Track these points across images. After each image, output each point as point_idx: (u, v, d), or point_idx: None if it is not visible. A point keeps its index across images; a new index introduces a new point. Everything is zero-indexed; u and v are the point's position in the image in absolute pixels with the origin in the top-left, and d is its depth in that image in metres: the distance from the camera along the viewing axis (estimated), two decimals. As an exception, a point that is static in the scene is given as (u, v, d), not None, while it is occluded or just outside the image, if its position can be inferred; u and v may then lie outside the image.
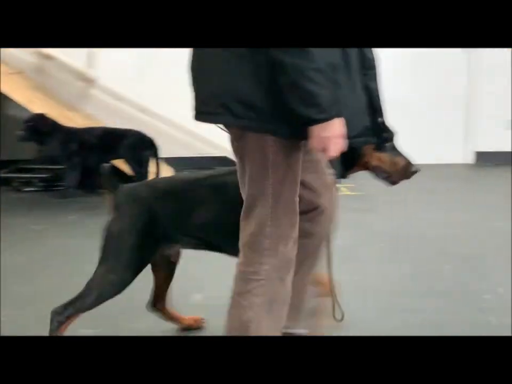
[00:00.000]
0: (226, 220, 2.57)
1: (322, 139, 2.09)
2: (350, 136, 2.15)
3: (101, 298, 2.69)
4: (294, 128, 2.11)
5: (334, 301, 2.66)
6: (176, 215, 2.68)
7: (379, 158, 2.53)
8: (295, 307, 2.54)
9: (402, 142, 2.58)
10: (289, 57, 2.01)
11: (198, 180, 2.75)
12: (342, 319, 2.66)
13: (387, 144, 2.52)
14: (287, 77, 2.02)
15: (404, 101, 7.40)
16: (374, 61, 2.28)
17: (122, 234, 2.66)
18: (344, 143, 2.13)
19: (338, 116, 2.07)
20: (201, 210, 2.67)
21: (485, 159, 7.50)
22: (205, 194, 2.68)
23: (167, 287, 3.05)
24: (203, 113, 2.22)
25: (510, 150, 7.19)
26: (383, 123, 2.39)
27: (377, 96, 2.29)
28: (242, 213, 2.29)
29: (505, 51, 7.34)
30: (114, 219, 2.70)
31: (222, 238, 2.68)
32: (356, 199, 5.99)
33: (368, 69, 2.25)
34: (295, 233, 2.28)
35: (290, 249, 2.27)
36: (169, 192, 2.73)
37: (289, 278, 2.29)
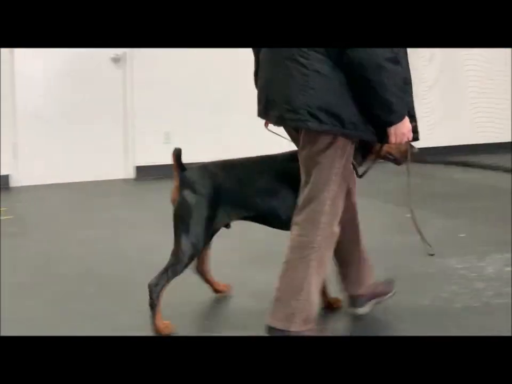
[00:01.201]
0: (275, 197, 3.26)
1: (400, 134, 2.87)
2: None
3: (188, 263, 3.26)
4: (375, 133, 2.88)
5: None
6: (234, 190, 3.25)
7: (388, 146, 3.15)
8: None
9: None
10: (375, 76, 2.74)
11: (252, 161, 3.37)
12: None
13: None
14: (374, 91, 2.76)
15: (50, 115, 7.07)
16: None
17: (198, 206, 3.20)
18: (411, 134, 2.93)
19: (406, 115, 2.87)
20: (252, 188, 3.26)
21: (145, 173, 7.40)
22: (257, 175, 3.30)
23: (208, 253, 3.55)
24: (291, 120, 2.86)
25: (168, 163, 7.10)
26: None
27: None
28: (306, 195, 2.95)
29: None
30: (188, 194, 3.22)
31: (271, 212, 3.28)
32: (7, 223, 5.48)
33: None
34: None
35: (337, 226, 2.98)
36: (230, 170, 3.31)
37: (333, 248, 3.03)
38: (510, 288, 3.78)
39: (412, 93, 3.00)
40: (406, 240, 4.40)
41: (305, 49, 2.79)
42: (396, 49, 2.79)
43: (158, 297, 3.20)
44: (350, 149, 2.96)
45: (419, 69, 7.90)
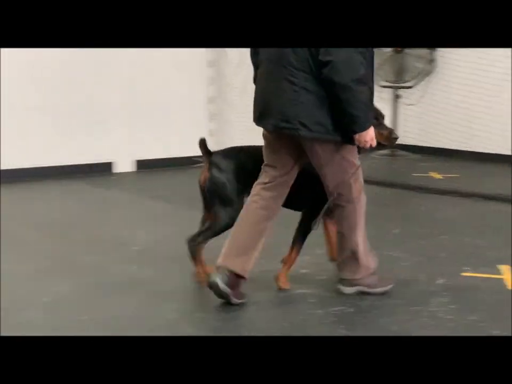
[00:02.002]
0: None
1: (363, 142, 3.59)
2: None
3: (222, 230, 3.95)
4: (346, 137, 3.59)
5: None
6: (254, 170, 3.83)
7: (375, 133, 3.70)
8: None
9: None
10: (343, 94, 3.43)
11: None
12: None
13: (376, 123, 3.77)
14: (342, 106, 3.47)
15: None
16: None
17: (229, 181, 3.92)
18: (375, 141, 3.64)
19: (370, 126, 3.57)
20: None
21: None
22: None
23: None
24: (285, 128, 3.58)
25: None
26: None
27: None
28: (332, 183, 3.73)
29: None
30: (217, 172, 3.93)
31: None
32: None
33: None
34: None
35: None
36: (252, 153, 3.98)
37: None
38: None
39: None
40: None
41: (294, 70, 3.50)
42: (362, 72, 3.43)
43: (194, 251, 3.96)
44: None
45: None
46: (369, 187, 7.38)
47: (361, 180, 3.84)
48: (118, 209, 6.41)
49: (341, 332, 3.42)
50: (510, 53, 8.33)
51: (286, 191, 3.82)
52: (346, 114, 3.49)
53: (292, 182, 3.82)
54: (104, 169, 8.10)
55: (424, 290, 4.04)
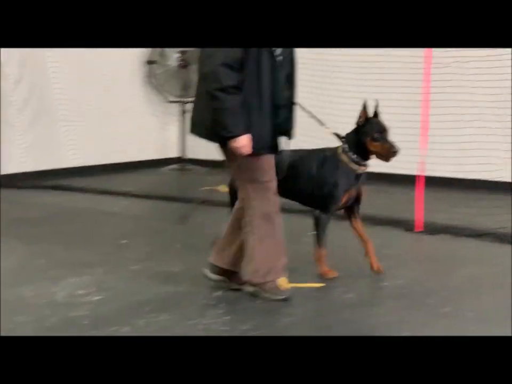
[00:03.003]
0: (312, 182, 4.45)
1: (234, 148, 3.85)
2: (254, 147, 3.88)
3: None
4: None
5: None
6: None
7: (375, 146, 4.36)
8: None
9: None
10: (210, 102, 3.81)
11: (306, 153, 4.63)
12: None
13: (379, 137, 4.36)
14: (212, 113, 3.83)
15: None
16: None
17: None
18: (248, 149, 3.85)
19: (242, 134, 3.82)
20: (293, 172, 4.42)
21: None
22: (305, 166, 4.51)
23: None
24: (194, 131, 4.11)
25: None
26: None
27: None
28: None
29: None
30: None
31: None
32: None
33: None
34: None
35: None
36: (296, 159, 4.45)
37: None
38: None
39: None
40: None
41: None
42: (228, 83, 3.75)
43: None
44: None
45: (6, 92, 8.07)
46: (156, 202, 7.49)
47: (272, 198, 4.01)
48: None
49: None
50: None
51: None
52: (215, 120, 3.83)
53: None
54: None
55: (202, 304, 4.04)
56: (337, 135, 4.51)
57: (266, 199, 3.99)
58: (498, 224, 5.97)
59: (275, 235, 4.04)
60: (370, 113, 4.45)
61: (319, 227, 4.46)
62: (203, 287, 4.32)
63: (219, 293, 4.23)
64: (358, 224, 4.59)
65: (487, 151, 7.57)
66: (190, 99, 9.79)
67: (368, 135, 4.39)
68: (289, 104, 4.08)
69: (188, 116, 9.64)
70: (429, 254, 5.43)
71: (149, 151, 9.82)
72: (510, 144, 7.24)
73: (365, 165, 4.45)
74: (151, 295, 4.17)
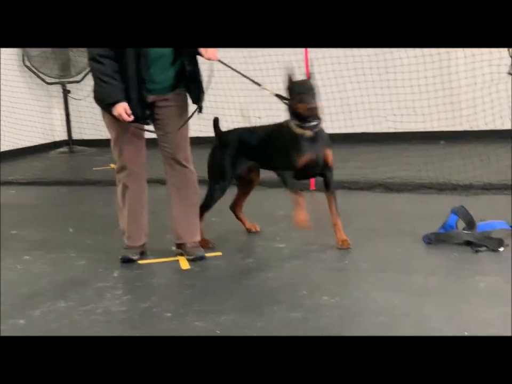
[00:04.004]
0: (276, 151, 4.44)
1: (116, 113, 4.03)
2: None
3: (216, 200, 4.63)
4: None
5: None
6: (251, 145, 4.56)
7: (298, 107, 4.27)
8: None
9: None
10: (92, 74, 4.15)
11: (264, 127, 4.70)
12: None
13: (298, 97, 4.27)
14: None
15: None
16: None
17: (223, 157, 4.60)
18: (125, 117, 4.01)
19: (113, 102, 4.02)
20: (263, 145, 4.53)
21: None
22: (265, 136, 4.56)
23: (245, 198, 4.90)
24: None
25: None
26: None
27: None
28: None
29: None
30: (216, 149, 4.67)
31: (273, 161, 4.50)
32: None
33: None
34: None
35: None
36: (251, 132, 4.68)
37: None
38: None
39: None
40: None
41: None
42: (101, 51, 3.94)
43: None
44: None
45: None
46: (46, 188, 7.27)
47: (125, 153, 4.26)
48: None
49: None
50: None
51: None
52: (94, 91, 4.17)
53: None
54: None
55: (99, 287, 3.95)
56: (279, 96, 4.41)
57: (117, 162, 4.30)
58: (386, 175, 6.13)
59: (120, 201, 4.36)
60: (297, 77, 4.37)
61: (286, 180, 4.38)
62: (99, 270, 4.24)
63: (115, 274, 4.15)
64: (329, 197, 4.46)
65: (370, 104, 7.74)
66: (70, 79, 9.54)
67: (292, 97, 4.31)
68: (191, 76, 4.16)
69: (70, 96, 9.51)
70: (323, 210, 5.49)
71: (34, 137, 9.51)
72: (389, 96, 7.41)
73: (309, 128, 4.28)
74: (45, 284, 4.05)
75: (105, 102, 4.06)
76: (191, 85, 4.20)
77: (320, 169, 4.41)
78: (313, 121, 4.28)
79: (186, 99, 4.31)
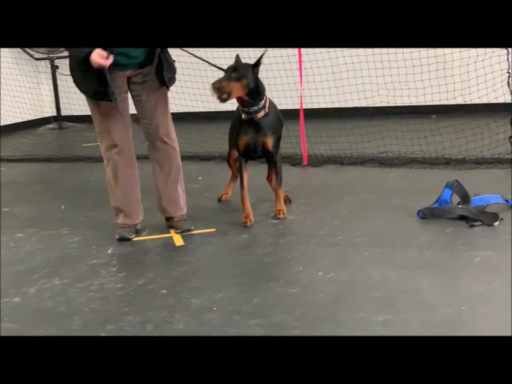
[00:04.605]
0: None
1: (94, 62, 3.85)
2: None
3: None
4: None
5: None
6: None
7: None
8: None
9: None
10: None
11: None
12: None
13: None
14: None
15: None
16: None
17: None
18: (103, 61, 3.83)
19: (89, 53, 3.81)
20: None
21: None
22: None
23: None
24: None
25: None
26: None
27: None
28: None
29: None
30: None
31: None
32: None
33: None
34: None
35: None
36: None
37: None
38: None
39: None
40: None
41: None
42: None
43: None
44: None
45: None
46: (36, 165, 7.22)
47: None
48: None
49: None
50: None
51: None
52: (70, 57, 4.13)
53: None
54: None
55: (94, 263, 3.93)
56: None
57: (104, 142, 4.24)
58: (378, 150, 6.12)
59: (111, 179, 4.30)
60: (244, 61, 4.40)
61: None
62: (92, 247, 4.21)
63: (109, 251, 4.13)
64: (271, 177, 4.76)
65: (362, 79, 7.70)
66: (58, 54, 9.44)
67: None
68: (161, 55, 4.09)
69: (59, 72, 9.41)
70: (316, 186, 5.49)
71: (22, 112, 9.42)
72: (382, 70, 7.37)
73: (248, 112, 4.39)
74: (39, 262, 4.02)
75: (79, 60, 3.87)
76: (161, 65, 4.10)
77: (261, 153, 4.58)
78: (253, 106, 4.37)
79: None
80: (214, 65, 4.39)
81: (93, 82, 3.97)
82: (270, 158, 4.65)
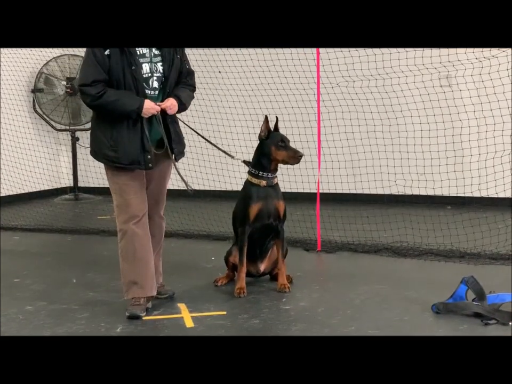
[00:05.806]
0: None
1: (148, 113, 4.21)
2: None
3: None
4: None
5: None
6: None
7: (280, 154, 4.63)
8: None
9: None
10: (97, 110, 4.29)
11: None
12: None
13: (282, 144, 4.64)
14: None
15: None
16: None
17: None
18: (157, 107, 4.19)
19: (141, 104, 4.14)
20: None
21: None
22: None
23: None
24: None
25: None
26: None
27: None
28: None
29: None
30: None
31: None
32: None
33: None
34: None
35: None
36: None
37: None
38: None
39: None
40: None
41: None
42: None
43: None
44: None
45: None
46: (50, 235, 7.21)
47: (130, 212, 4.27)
48: None
49: None
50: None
51: None
52: (113, 110, 4.15)
53: None
54: None
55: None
56: (246, 162, 4.77)
57: (122, 214, 4.28)
58: (393, 239, 6.09)
59: (128, 251, 4.30)
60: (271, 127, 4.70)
61: (237, 240, 4.76)
62: (102, 324, 4.17)
63: (118, 329, 4.08)
64: (277, 244, 4.81)
65: (380, 168, 7.74)
66: (79, 127, 9.59)
67: (272, 145, 4.63)
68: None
69: (79, 144, 9.54)
70: (330, 272, 5.45)
71: (40, 182, 9.50)
72: (400, 160, 7.41)
73: (267, 178, 4.65)
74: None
75: (126, 113, 4.10)
76: (172, 140, 4.33)
77: (273, 219, 4.71)
78: (270, 174, 4.67)
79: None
80: (222, 150, 4.86)
81: (134, 149, 4.14)
82: (279, 225, 4.76)
